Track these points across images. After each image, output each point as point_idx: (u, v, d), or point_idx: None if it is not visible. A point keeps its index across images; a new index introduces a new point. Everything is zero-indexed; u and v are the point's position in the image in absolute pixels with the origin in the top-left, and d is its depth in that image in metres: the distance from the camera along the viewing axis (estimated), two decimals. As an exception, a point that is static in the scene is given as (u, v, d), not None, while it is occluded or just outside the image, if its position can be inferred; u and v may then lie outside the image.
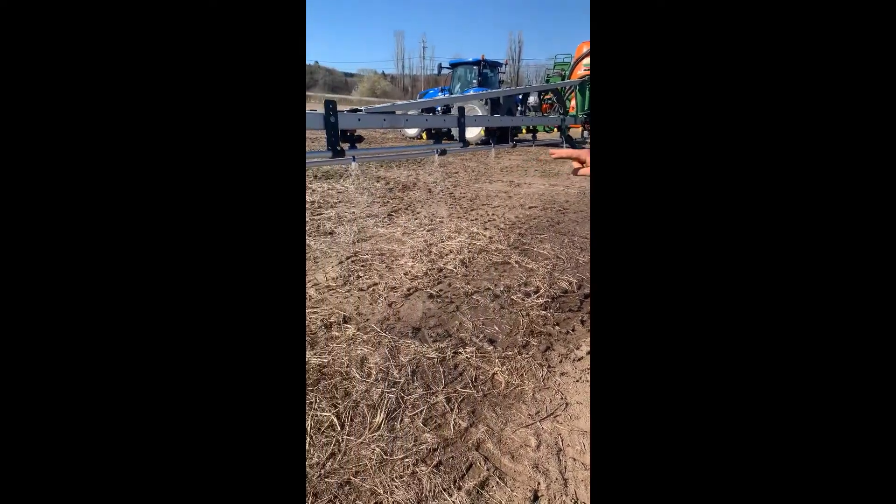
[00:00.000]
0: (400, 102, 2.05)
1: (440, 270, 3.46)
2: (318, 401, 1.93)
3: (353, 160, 1.50)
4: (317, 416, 1.85)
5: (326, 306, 2.80)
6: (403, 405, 1.95)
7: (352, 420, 1.84)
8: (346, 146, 1.48)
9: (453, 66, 14.40)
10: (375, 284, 3.17)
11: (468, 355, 2.32)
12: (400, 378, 2.13)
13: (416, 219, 4.95)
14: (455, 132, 2.37)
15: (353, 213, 5.07)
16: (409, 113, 1.78)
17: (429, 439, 1.72)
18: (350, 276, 3.28)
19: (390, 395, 1.99)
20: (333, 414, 1.86)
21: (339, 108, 1.42)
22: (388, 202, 5.67)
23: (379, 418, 1.85)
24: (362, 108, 1.63)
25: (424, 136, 13.63)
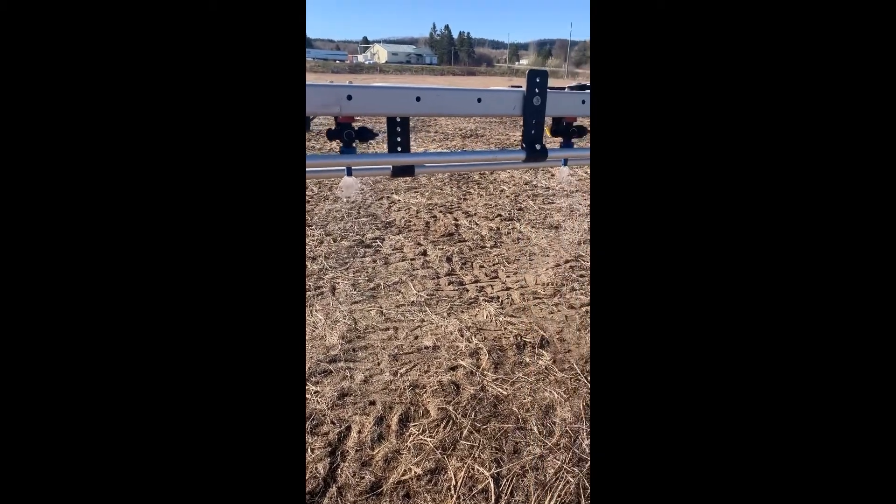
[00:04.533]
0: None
1: (685, 305, 2.58)
2: (480, 447, 1.59)
3: (565, 164, 1.00)
4: (472, 468, 1.51)
5: (527, 318, 2.40)
6: None
7: (512, 495, 1.43)
8: (554, 142, 0.99)
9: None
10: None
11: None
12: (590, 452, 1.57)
13: (666, 224, 3.97)
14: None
15: (590, 206, 4.44)
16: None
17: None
18: (564, 285, 2.78)
19: (570, 479, 1.48)
20: (492, 475, 1.48)
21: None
22: (634, 197, 4.76)
23: (546, 508, 1.38)
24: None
25: None
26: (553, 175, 5.54)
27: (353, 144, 0.79)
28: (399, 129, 0.85)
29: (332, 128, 0.78)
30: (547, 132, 0.93)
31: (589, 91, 0.96)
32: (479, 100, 0.83)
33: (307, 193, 4.33)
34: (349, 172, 0.80)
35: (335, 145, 0.80)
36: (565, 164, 0.99)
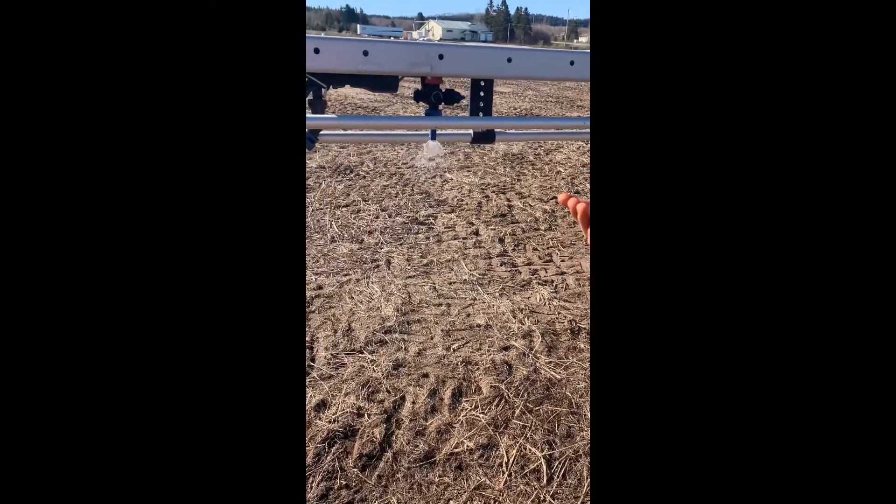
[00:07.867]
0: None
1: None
2: (533, 428, 1.57)
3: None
4: (524, 448, 1.50)
5: (582, 305, 2.34)
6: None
7: (564, 477, 1.41)
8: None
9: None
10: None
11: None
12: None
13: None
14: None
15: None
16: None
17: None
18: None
19: (625, 468, 1.44)
20: (544, 456, 1.47)
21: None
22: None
23: (599, 495, 1.35)
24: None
25: None
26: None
27: (439, 107, 0.77)
28: (483, 92, 0.82)
29: (420, 89, 0.76)
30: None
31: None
32: (572, 62, 0.78)
33: (367, 167, 4.40)
34: (433, 136, 0.79)
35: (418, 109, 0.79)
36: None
